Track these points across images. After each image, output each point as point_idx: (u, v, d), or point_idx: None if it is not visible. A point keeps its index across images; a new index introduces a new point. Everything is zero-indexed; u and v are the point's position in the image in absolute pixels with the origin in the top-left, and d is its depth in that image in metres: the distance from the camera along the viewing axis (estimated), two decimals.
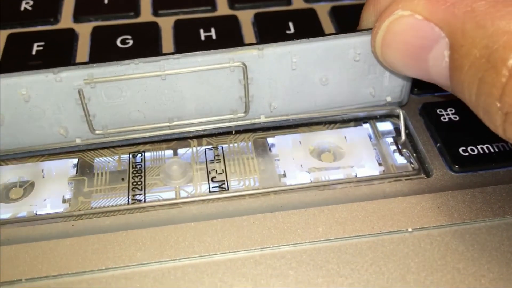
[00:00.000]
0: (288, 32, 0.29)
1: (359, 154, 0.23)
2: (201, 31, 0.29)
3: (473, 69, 0.16)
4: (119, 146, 0.23)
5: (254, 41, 0.29)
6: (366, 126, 0.24)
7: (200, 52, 0.21)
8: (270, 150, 0.23)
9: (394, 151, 0.23)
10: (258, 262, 0.19)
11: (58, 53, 0.28)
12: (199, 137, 0.24)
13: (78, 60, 0.27)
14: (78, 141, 0.22)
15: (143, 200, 0.21)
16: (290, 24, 0.29)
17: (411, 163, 0.23)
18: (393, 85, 0.23)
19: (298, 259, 0.19)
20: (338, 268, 0.19)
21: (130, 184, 0.22)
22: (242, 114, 0.23)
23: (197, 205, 0.21)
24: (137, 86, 0.21)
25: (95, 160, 0.23)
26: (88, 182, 0.22)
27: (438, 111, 0.24)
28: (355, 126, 0.24)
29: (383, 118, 0.25)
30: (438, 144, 0.23)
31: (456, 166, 0.22)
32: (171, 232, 0.20)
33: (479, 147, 0.22)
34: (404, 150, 0.23)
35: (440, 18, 0.17)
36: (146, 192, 0.22)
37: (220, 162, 0.23)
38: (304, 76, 0.22)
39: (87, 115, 0.21)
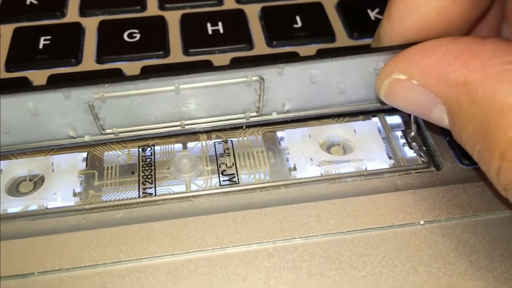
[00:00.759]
0: (295, 26, 0.29)
1: (369, 148, 0.23)
2: (208, 25, 0.29)
3: (471, 141, 0.17)
4: (128, 141, 0.23)
5: (261, 35, 0.28)
6: (375, 119, 0.24)
7: (217, 71, 0.20)
8: (279, 143, 0.23)
9: (403, 144, 0.23)
10: (271, 254, 0.19)
11: (65, 47, 0.28)
12: (209, 131, 0.23)
13: (85, 54, 0.27)
14: (87, 137, 0.22)
15: (154, 194, 0.21)
16: (298, 18, 0.29)
17: (421, 156, 0.23)
18: None
19: (310, 251, 0.19)
20: (351, 261, 0.19)
21: (140, 177, 0.22)
22: (254, 114, 0.22)
23: (208, 198, 0.21)
24: (150, 96, 0.20)
25: (105, 154, 0.23)
26: (98, 175, 0.22)
27: None
28: (364, 119, 0.24)
29: (392, 111, 0.25)
30: (447, 137, 0.23)
31: (466, 159, 0.22)
32: (183, 225, 0.20)
33: None
34: (414, 143, 0.23)
35: (434, 85, 0.17)
36: (156, 185, 0.22)
37: (230, 155, 0.23)
38: (321, 84, 0.22)
39: (97, 120, 0.21)
